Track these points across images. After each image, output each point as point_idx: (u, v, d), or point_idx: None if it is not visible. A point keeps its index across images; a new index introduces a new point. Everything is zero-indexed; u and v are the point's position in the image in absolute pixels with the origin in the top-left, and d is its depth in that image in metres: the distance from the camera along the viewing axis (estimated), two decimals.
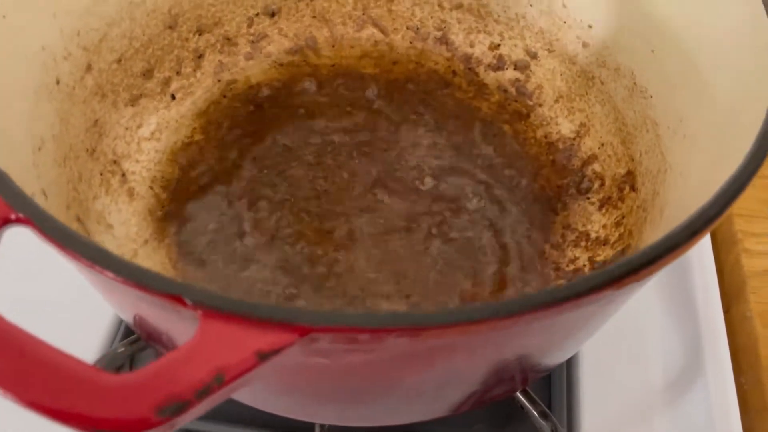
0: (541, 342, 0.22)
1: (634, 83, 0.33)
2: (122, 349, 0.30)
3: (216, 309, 0.16)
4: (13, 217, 0.18)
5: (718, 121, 0.25)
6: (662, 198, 0.28)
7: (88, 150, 0.31)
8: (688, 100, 0.28)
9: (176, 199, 0.34)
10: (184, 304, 0.17)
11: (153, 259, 0.32)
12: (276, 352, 0.16)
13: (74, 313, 0.35)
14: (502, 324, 0.17)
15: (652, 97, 0.31)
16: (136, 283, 0.17)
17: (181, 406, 0.15)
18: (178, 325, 0.20)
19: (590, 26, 0.35)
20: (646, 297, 0.38)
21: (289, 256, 0.32)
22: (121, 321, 0.35)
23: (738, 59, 0.25)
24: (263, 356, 0.16)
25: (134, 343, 0.30)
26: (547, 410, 0.30)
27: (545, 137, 0.37)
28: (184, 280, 0.31)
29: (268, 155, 0.36)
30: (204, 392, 0.16)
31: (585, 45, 0.35)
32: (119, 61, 0.33)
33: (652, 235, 0.28)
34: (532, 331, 0.20)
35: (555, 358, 0.27)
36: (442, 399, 0.25)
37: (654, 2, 0.31)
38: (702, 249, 0.40)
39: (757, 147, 0.21)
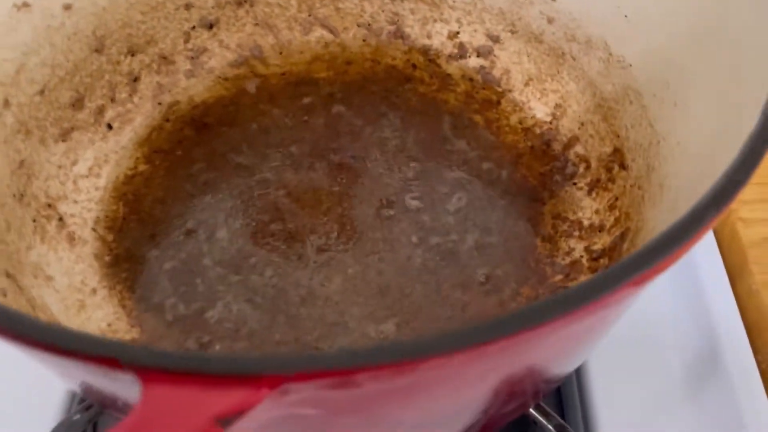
0: (553, 353, 0.19)
1: (610, 54, 0.30)
2: (78, 416, 0.26)
3: (158, 369, 0.13)
4: None
5: (715, 83, 0.23)
6: (660, 172, 0.26)
7: (15, 195, 0.28)
8: (675, 64, 0.26)
9: (125, 240, 0.30)
10: (120, 367, 0.13)
11: (104, 310, 0.28)
12: (240, 414, 0.13)
13: (30, 377, 0.31)
14: (510, 342, 0.14)
15: (631, 66, 0.29)
16: (59, 348, 0.14)
17: None
18: (125, 390, 0.16)
19: None
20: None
21: (257, 287, 0.29)
22: None
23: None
24: (225, 422, 0.13)
25: (90, 408, 0.26)
26: (563, 422, 0.27)
27: (520, 123, 0.35)
28: (142, 330, 0.28)
29: (222, 178, 0.33)
30: None
31: (550, 20, 0.33)
32: (42, 92, 0.30)
33: (655, 212, 0.25)
34: (545, 343, 0.17)
35: (568, 366, 0.24)
36: (449, 426, 0.22)
37: None
38: None
39: None
